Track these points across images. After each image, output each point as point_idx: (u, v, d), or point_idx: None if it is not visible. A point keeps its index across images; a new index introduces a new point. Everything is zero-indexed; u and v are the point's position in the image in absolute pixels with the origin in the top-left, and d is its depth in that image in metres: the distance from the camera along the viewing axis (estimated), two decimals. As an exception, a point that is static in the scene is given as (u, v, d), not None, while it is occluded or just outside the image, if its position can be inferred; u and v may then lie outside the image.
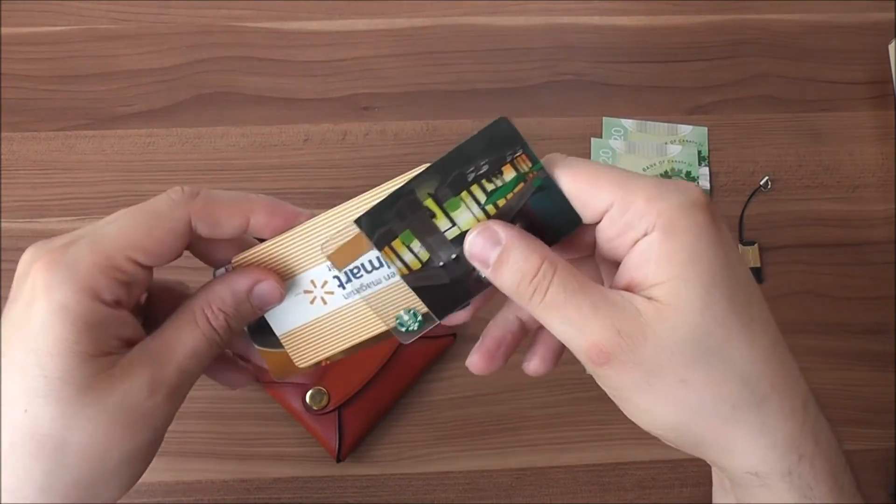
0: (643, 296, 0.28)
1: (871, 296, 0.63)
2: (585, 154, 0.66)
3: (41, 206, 0.62)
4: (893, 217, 0.65)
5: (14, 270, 0.30)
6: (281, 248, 0.32)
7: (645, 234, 0.28)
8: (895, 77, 0.67)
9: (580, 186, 0.29)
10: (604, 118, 0.68)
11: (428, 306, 0.32)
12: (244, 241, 0.33)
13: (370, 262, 0.32)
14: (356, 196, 0.31)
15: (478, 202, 0.30)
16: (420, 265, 0.31)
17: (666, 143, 0.67)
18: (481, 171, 0.30)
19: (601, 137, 0.67)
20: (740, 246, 0.63)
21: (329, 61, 0.69)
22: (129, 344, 0.30)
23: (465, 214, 0.30)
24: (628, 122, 0.68)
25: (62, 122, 0.65)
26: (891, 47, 0.68)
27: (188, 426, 0.56)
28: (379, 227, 0.31)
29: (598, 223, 0.30)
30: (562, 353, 0.34)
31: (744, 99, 0.69)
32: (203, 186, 0.32)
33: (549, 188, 0.30)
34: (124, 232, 0.30)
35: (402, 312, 0.32)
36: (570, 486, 0.56)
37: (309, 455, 0.56)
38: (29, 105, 0.66)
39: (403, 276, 0.31)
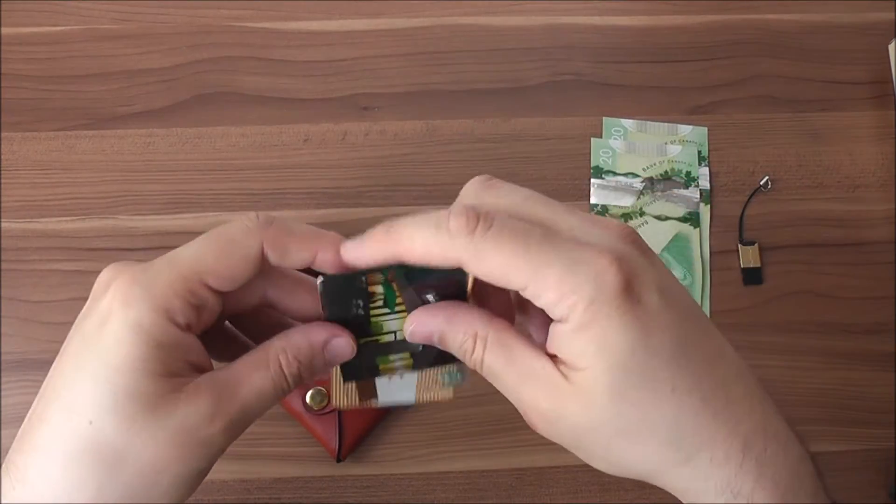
0: (563, 372, 0.29)
1: (871, 296, 0.63)
2: (586, 154, 0.66)
3: (41, 206, 0.62)
4: (893, 217, 0.65)
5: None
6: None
7: (558, 320, 0.29)
8: (895, 77, 0.67)
9: (492, 274, 0.29)
10: (604, 118, 0.68)
11: (450, 360, 0.34)
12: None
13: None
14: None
15: (387, 313, 0.32)
16: (411, 358, 0.33)
17: (666, 143, 0.67)
18: (362, 306, 0.31)
19: (601, 137, 0.67)
20: (740, 246, 0.63)
21: (329, 61, 0.69)
22: (196, 369, 0.30)
23: (391, 323, 0.32)
24: (628, 122, 0.68)
25: (62, 122, 0.65)
26: (891, 47, 0.68)
27: (188, 426, 0.56)
28: (362, 370, 0.33)
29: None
30: None
31: (744, 99, 0.69)
32: (278, 215, 0.32)
33: (413, 268, 0.30)
34: (199, 256, 0.30)
35: (440, 377, 0.34)
36: (570, 486, 0.56)
37: (309, 455, 0.56)
38: (29, 105, 0.66)
39: (415, 368, 0.33)
